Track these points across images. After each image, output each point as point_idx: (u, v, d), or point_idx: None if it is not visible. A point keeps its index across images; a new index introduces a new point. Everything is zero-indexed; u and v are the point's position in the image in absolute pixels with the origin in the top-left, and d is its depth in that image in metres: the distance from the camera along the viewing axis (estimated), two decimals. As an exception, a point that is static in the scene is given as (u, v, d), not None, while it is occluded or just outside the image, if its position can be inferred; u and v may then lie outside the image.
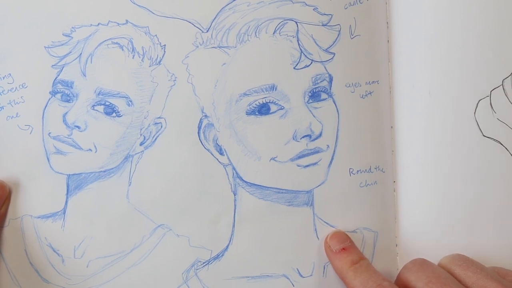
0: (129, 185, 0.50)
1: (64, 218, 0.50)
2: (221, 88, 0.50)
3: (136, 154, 0.50)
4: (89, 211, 0.50)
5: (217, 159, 0.51)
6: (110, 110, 0.50)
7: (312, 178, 0.51)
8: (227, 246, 0.51)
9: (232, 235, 0.51)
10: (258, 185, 0.51)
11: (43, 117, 0.50)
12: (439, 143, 0.52)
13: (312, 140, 0.51)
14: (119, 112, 0.50)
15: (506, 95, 0.51)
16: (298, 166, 0.51)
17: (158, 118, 0.50)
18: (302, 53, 0.51)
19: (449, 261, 0.50)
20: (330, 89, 0.51)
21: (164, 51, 0.50)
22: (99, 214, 0.50)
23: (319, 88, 0.51)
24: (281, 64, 0.50)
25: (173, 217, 0.50)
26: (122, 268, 0.50)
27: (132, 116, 0.50)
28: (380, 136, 0.53)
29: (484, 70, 0.52)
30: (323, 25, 0.51)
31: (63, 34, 0.50)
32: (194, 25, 0.50)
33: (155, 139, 0.50)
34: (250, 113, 0.50)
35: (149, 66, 0.50)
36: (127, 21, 0.50)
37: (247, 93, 0.50)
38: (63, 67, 0.50)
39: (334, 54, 0.51)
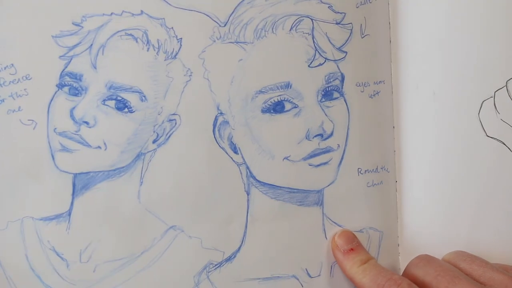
0: (140, 184, 0.48)
1: (69, 220, 0.47)
2: (237, 85, 0.49)
3: (148, 152, 0.48)
4: (96, 213, 0.48)
5: (231, 157, 0.49)
6: (122, 106, 0.47)
7: (322, 177, 0.51)
8: (239, 247, 0.50)
9: (244, 235, 0.50)
10: (271, 184, 0.50)
11: (48, 111, 0.47)
12: (443, 143, 0.53)
13: (324, 139, 0.51)
14: (131, 107, 0.47)
15: (510, 96, 0.53)
16: (310, 165, 0.50)
17: (172, 114, 0.48)
18: (316, 51, 0.50)
19: (453, 257, 0.51)
20: (342, 88, 0.51)
21: (180, 45, 0.48)
22: (107, 216, 0.48)
23: (331, 87, 0.51)
24: (296, 61, 0.50)
25: (185, 218, 0.49)
26: (131, 272, 0.48)
27: (145, 112, 0.47)
28: (386, 136, 0.53)
29: (488, 71, 0.53)
30: (337, 23, 0.51)
31: (72, 23, 0.47)
32: (212, 19, 0.48)
33: (169, 136, 0.48)
34: (265, 111, 0.49)
35: (164, 60, 0.47)
36: (142, 11, 0.47)
37: (262, 90, 0.49)
38: (71, 59, 0.47)
39: (346, 53, 0.51)
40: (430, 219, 0.53)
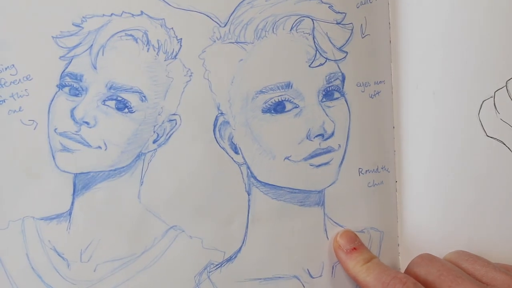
0: (141, 184, 0.48)
1: (70, 220, 0.47)
2: (238, 85, 0.49)
3: (148, 152, 0.48)
4: (97, 212, 0.48)
5: (232, 158, 0.49)
6: (122, 106, 0.47)
7: (323, 177, 0.51)
8: (240, 248, 0.50)
9: (245, 236, 0.50)
10: (272, 184, 0.50)
11: (48, 111, 0.47)
12: (443, 143, 0.53)
13: (325, 140, 0.51)
14: (131, 108, 0.47)
15: (509, 96, 0.53)
16: (311, 165, 0.50)
17: (172, 114, 0.48)
18: (317, 51, 0.50)
19: (455, 257, 0.51)
20: (342, 88, 0.51)
21: (180, 45, 0.48)
22: (108, 215, 0.48)
23: (332, 87, 0.51)
24: (297, 61, 0.50)
25: (186, 218, 0.48)
26: (132, 272, 0.48)
27: (145, 112, 0.48)
28: (386, 136, 0.53)
29: (488, 71, 0.53)
30: (337, 23, 0.51)
31: (73, 24, 0.47)
32: (212, 19, 0.48)
33: (169, 136, 0.48)
34: (265, 111, 0.49)
35: (165, 60, 0.48)
36: (142, 12, 0.47)
37: (263, 90, 0.49)
38: (72, 59, 0.47)
39: (347, 53, 0.51)
40: (430, 219, 0.53)
